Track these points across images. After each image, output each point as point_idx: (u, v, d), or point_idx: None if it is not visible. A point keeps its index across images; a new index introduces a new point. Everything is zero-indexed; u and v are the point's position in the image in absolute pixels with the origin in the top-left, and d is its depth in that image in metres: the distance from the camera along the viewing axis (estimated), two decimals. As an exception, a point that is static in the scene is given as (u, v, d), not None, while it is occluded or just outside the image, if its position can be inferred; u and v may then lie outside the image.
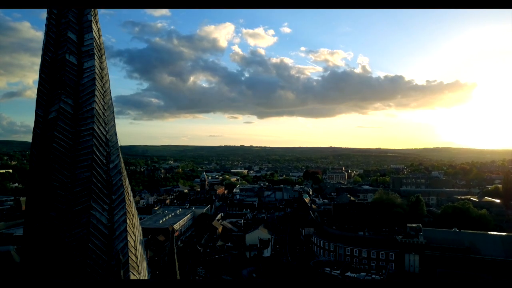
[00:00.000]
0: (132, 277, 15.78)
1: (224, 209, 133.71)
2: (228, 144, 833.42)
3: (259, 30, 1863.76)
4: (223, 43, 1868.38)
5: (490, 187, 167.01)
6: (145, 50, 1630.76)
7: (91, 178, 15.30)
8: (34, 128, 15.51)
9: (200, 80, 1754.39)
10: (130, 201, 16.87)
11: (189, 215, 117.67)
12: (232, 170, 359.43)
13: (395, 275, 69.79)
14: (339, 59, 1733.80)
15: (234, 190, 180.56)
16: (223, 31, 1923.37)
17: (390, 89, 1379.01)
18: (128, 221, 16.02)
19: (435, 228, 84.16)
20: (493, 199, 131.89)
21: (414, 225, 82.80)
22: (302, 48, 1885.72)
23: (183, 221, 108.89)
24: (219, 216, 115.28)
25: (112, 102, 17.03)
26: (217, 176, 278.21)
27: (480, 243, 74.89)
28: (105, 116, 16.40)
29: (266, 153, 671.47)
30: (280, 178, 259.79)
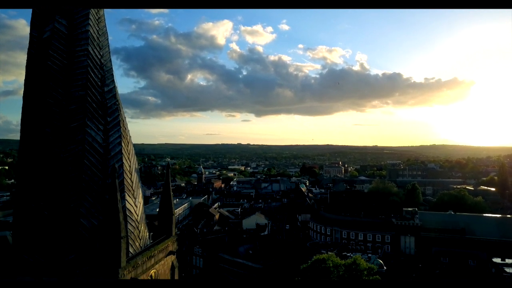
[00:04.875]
0: (127, 198, 15.93)
1: (222, 200, 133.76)
2: (225, 142, 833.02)
3: (258, 28, 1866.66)
4: (221, 41, 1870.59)
5: (485, 179, 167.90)
6: (142, 48, 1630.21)
7: (86, 97, 15.46)
8: (28, 49, 15.63)
9: (198, 78, 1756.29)
10: (126, 129, 17.06)
11: (186, 204, 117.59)
12: (229, 167, 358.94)
13: (391, 255, 70.21)
14: (337, 56, 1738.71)
15: (231, 183, 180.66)
16: (221, 28, 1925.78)
17: (388, 87, 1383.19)
18: (123, 144, 16.19)
19: (430, 212, 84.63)
20: (488, 188, 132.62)
21: (410, 209, 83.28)
22: (300, 46, 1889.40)
23: (180, 210, 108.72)
24: (216, 204, 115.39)
25: (106, 30, 17.20)
26: (214, 172, 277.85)
27: (475, 224, 75.43)
28: (99, 40, 16.55)
29: (263, 151, 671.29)
30: (278, 172, 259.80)
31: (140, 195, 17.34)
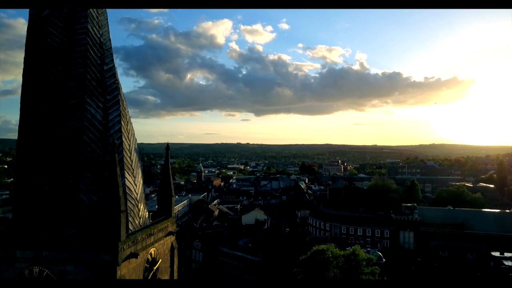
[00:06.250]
0: (126, 176, 15.98)
1: (221, 197, 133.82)
2: (224, 142, 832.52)
3: (257, 27, 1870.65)
4: (220, 40, 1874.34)
5: (484, 176, 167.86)
6: (141, 47, 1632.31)
7: (85, 75, 15.53)
8: (28, 27, 15.68)
9: (197, 78, 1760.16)
10: (125, 109, 17.13)
11: (186, 201, 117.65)
12: (228, 166, 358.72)
13: (390, 250, 70.36)
14: (337, 55, 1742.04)
15: (231, 180, 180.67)
16: (221, 27, 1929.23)
17: (388, 86, 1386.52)
18: (122, 123, 16.26)
19: (429, 207, 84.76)
20: (487, 185, 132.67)
21: (409, 204, 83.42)
22: (300, 45, 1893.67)
23: (179, 207, 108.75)
24: (215, 201, 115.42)
25: (106, 10, 17.23)
26: (213, 171, 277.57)
27: (474, 219, 75.61)
28: (99, 19, 16.62)
29: (262, 150, 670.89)
30: (277, 171, 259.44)
31: (140, 174, 17.39)
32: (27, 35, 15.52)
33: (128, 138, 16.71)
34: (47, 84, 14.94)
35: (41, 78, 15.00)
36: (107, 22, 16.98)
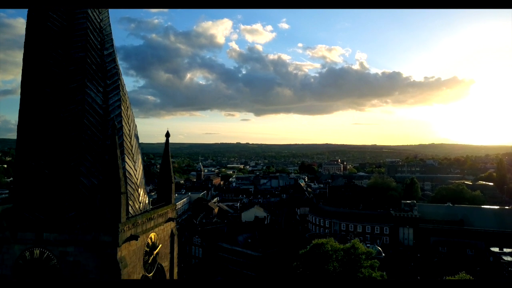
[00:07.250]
0: (127, 160, 16.03)
1: (221, 196, 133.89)
2: (224, 142, 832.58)
3: (257, 26, 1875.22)
4: (220, 40, 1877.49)
5: (483, 175, 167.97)
6: (141, 47, 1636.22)
7: (85, 59, 15.59)
8: (28, 11, 15.71)
9: (197, 77, 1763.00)
10: (125, 94, 17.20)
11: (185, 199, 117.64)
12: (228, 165, 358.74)
13: (389, 246, 70.44)
14: (336, 55, 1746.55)
15: (230, 179, 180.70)
16: (221, 27, 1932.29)
17: (388, 86, 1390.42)
18: (122, 108, 16.31)
19: (429, 204, 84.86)
20: (487, 183, 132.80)
21: (408, 201, 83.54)
22: (300, 44, 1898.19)
23: (179, 205, 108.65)
24: (215, 199, 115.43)
25: (106, -4, 17.15)
26: (213, 170, 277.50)
27: (473, 216, 75.75)
28: (99, 5, 16.54)
29: (262, 150, 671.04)
30: (277, 170, 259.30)
31: (140, 160, 17.45)
32: (27, 19, 15.58)
33: (128, 123, 16.78)
34: (48, 67, 15.00)
35: (41, 61, 15.07)
36: (108, 10, 17.05)
